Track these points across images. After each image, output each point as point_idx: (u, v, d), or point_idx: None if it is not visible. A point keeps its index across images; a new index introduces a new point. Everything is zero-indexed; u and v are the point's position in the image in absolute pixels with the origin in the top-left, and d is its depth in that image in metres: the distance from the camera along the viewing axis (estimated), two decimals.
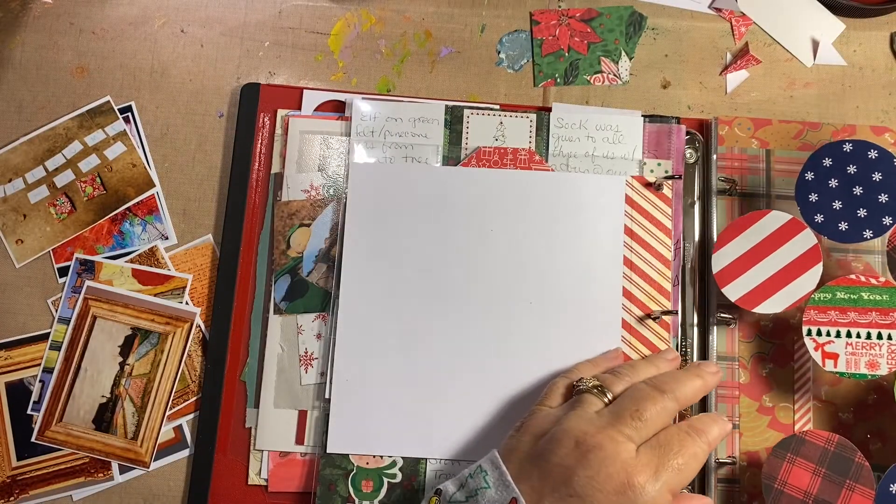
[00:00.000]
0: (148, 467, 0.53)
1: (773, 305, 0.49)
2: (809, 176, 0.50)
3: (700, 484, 0.51)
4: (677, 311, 0.53)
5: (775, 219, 0.50)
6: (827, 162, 0.50)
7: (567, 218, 0.54)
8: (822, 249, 0.53)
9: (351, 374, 0.52)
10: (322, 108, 0.57)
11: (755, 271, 0.50)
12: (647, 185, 0.54)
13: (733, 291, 0.50)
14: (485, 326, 0.52)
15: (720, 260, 0.51)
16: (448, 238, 0.53)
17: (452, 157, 0.55)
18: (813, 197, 0.50)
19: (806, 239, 0.50)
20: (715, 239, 0.52)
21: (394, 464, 0.51)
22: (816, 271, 0.49)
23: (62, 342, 0.54)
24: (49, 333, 0.54)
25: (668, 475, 0.41)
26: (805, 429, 0.52)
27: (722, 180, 0.54)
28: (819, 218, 0.50)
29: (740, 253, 0.50)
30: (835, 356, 0.49)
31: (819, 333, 0.49)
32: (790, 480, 0.47)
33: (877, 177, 0.49)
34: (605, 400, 0.45)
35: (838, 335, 0.49)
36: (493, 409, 0.51)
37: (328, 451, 0.51)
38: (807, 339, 0.49)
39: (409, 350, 0.52)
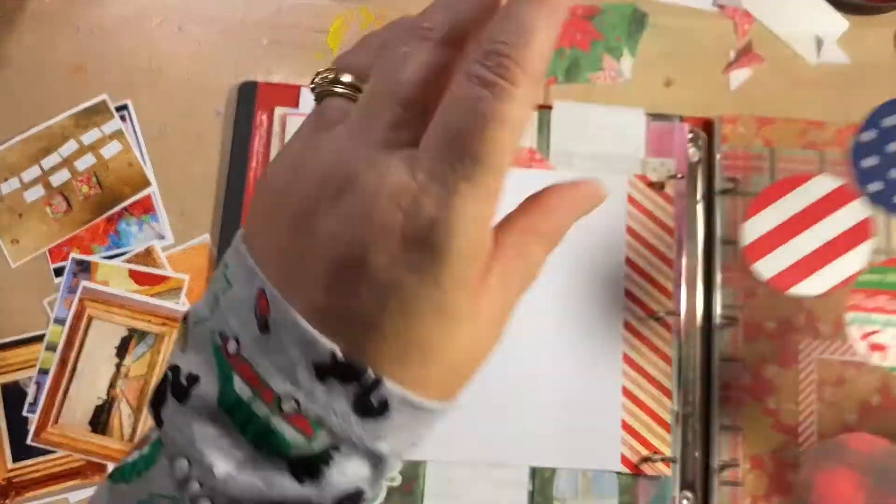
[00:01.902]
0: None
1: (812, 286, 0.42)
2: (867, 136, 0.42)
3: (703, 487, 0.51)
4: (679, 311, 0.52)
5: (821, 184, 0.43)
6: (890, 121, 0.43)
7: None
8: None
9: None
10: None
11: (793, 245, 0.43)
12: (650, 184, 0.53)
13: (765, 268, 0.43)
14: None
15: (752, 230, 0.43)
16: None
17: None
18: (870, 161, 0.42)
19: (856, 210, 0.42)
20: (719, 238, 0.51)
21: None
22: (866, 248, 0.42)
23: (58, 343, 0.54)
24: (45, 334, 0.54)
25: (464, 188, 0.24)
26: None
27: (725, 179, 0.54)
28: (875, 186, 0.42)
29: (777, 223, 0.43)
30: (883, 348, 0.42)
31: (866, 321, 0.43)
32: (830, 491, 0.42)
33: None
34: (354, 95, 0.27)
35: (888, 324, 0.42)
36: (492, 409, 0.51)
37: None
38: (850, 328, 0.43)
39: None
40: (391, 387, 0.25)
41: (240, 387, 0.26)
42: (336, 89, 0.27)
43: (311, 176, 0.25)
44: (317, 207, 0.25)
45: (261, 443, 0.26)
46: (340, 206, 0.24)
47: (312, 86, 0.28)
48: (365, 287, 0.24)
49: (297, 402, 0.25)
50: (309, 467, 0.26)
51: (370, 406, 0.26)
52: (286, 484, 0.26)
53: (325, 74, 0.28)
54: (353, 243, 0.24)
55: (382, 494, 0.28)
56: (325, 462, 0.26)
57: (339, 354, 0.25)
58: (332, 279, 0.25)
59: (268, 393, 0.26)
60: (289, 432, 0.26)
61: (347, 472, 0.26)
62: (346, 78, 0.27)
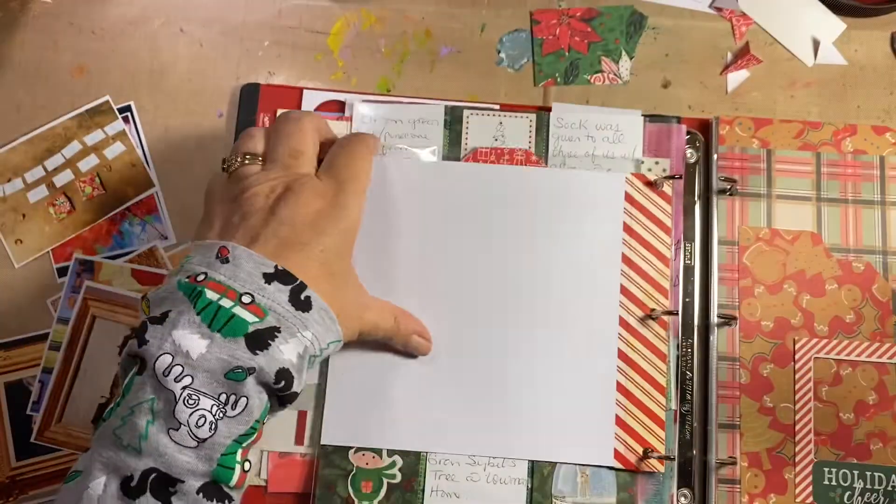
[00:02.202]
0: None
1: None
2: None
3: (701, 484, 0.51)
4: (677, 310, 0.53)
5: None
6: None
7: (565, 214, 0.53)
8: (823, 250, 0.54)
9: (347, 365, 0.51)
10: (322, 107, 0.57)
11: None
12: (648, 183, 0.54)
13: None
14: (482, 321, 0.52)
15: None
16: (445, 234, 0.53)
17: (452, 157, 0.55)
18: None
19: None
20: (716, 238, 0.52)
21: (393, 464, 0.51)
22: None
23: (61, 342, 0.54)
24: (48, 334, 0.54)
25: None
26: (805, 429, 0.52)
27: (723, 180, 0.54)
28: None
29: None
30: None
31: None
32: None
33: None
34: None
35: None
36: (492, 403, 0.51)
37: (322, 443, 0.51)
38: None
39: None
40: (311, 290, 0.42)
41: (210, 295, 0.40)
42: (246, 161, 0.47)
43: (251, 190, 0.45)
44: (262, 198, 0.44)
45: (224, 327, 0.39)
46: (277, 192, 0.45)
47: (226, 165, 0.47)
48: (288, 226, 0.43)
49: (252, 296, 0.40)
50: (259, 341, 0.39)
51: (299, 301, 0.41)
52: (244, 354, 0.39)
53: (233, 158, 0.47)
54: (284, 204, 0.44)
55: (299, 387, 0.41)
56: (272, 337, 0.40)
57: (280, 266, 0.41)
58: (267, 225, 0.43)
59: (231, 293, 0.40)
60: (247, 316, 0.40)
61: (284, 349, 0.40)
62: (248, 155, 0.47)
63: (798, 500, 0.51)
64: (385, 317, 0.49)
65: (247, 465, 0.40)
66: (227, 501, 0.39)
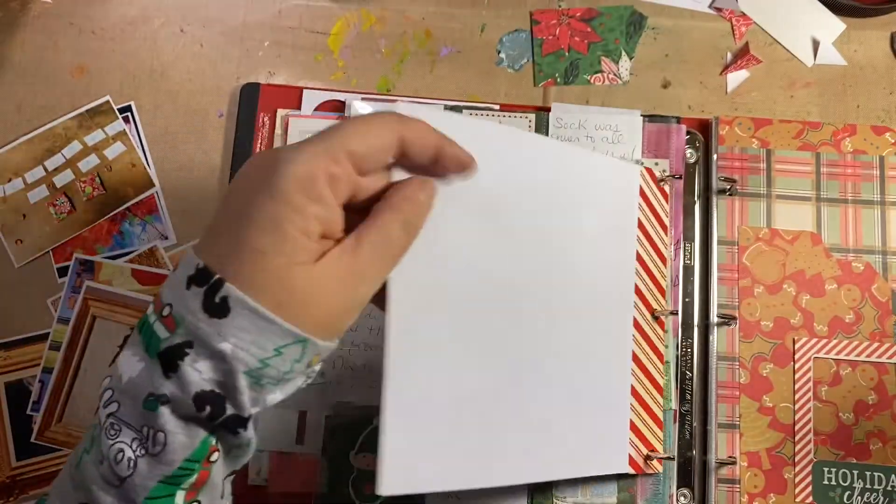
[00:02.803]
0: None
1: None
2: None
3: (701, 484, 0.51)
4: (677, 310, 0.53)
5: None
6: None
7: (581, 199, 0.47)
8: (822, 250, 0.54)
9: (410, 395, 0.38)
10: (322, 107, 0.57)
11: None
12: (657, 180, 0.53)
13: None
14: (512, 331, 0.43)
15: None
16: (495, 227, 0.42)
17: None
18: None
19: None
20: (716, 238, 0.52)
21: None
22: None
23: (62, 342, 0.54)
24: (49, 333, 0.54)
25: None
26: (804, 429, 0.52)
27: (722, 180, 0.54)
28: None
29: None
30: None
31: None
32: None
33: None
34: None
35: None
36: (513, 425, 0.43)
37: (380, 494, 0.37)
38: None
39: (463, 363, 0.41)
40: (229, 286, 0.31)
41: (149, 310, 0.33)
42: None
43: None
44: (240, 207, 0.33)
45: (148, 346, 0.32)
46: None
47: None
48: (223, 212, 0.33)
49: (171, 306, 0.32)
50: (169, 360, 0.32)
51: (214, 305, 0.31)
52: (160, 380, 0.32)
53: None
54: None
55: (247, 408, 0.33)
56: (180, 356, 0.32)
57: (201, 264, 0.32)
58: (215, 222, 0.34)
59: (157, 303, 0.33)
60: (160, 330, 0.32)
61: (200, 367, 0.32)
62: None
63: (798, 499, 0.51)
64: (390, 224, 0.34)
65: None
66: None
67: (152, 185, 0.57)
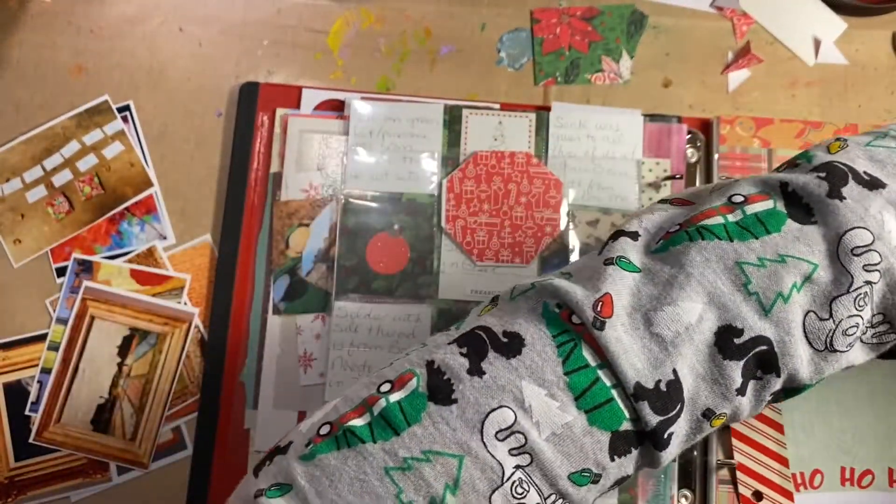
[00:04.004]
0: (146, 468, 0.53)
1: None
2: None
3: (702, 484, 0.51)
4: None
5: None
6: None
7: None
8: None
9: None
10: (321, 106, 0.56)
11: None
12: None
13: None
14: None
15: None
16: None
17: (451, 157, 0.55)
18: None
19: None
20: None
21: None
22: None
23: (60, 343, 0.54)
24: (47, 334, 0.54)
25: None
26: None
27: (723, 179, 0.54)
28: None
29: None
30: None
31: None
32: None
33: None
34: None
35: None
36: None
37: None
38: None
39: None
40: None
41: (588, 354, 0.28)
42: None
43: None
44: None
45: (589, 409, 0.27)
46: None
47: None
48: None
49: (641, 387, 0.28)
50: (629, 443, 0.28)
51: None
52: (604, 459, 0.28)
53: None
54: None
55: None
56: (660, 446, 0.28)
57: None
58: None
59: (612, 368, 0.28)
60: (623, 411, 0.28)
61: (634, 460, 0.29)
62: None
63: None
64: None
65: None
66: None
67: (151, 184, 0.56)
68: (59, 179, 0.56)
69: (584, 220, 0.54)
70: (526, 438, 0.27)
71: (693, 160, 0.55)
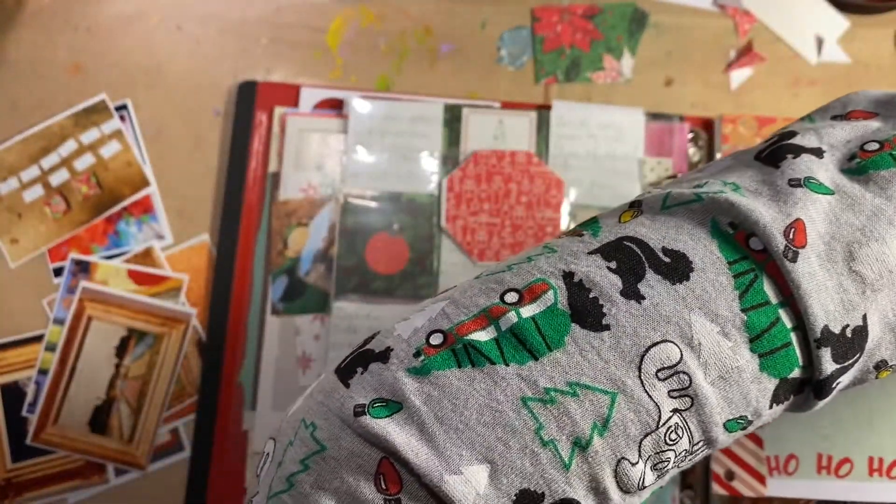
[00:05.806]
0: (144, 470, 0.53)
1: None
2: None
3: (703, 485, 0.51)
4: None
5: None
6: None
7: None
8: None
9: None
10: (320, 105, 0.56)
11: None
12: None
13: None
14: None
15: None
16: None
17: (451, 156, 0.55)
18: None
19: None
20: None
21: None
22: None
23: (57, 343, 0.54)
24: (44, 334, 0.54)
25: None
26: None
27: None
28: None
29: None
30: None
31: None
32: None
33: None
34: None
35: None
36: None
37: None
38: None
39: None
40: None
41: (770, 289, 0.25)
42: None
43: None
44: None
45: (764, 353, 0.24)
46: None
47: None
48: None
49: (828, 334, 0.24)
50: (791, 390, 0.25)
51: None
52: (763, 407, 0.25)
53: None
54: None
55: None
56: (823, 394, 0.25)
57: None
58: None
59: (794, 307, 0.24)
60: (798, 357, 0.25)
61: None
62: None
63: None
64: None
65: None
66: None
67: (148, 184, 0.56)
68: (57, 179, 0.56)
69: (585, 219, 0.54)
70: (691, 380, 0.24)
71: (695, 159, 0.55)
